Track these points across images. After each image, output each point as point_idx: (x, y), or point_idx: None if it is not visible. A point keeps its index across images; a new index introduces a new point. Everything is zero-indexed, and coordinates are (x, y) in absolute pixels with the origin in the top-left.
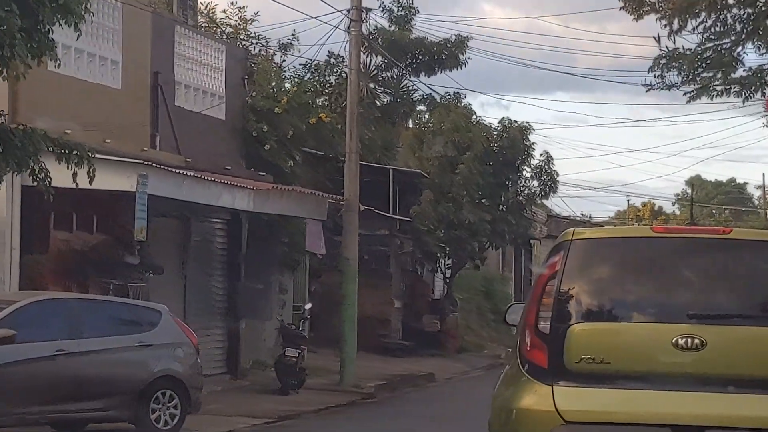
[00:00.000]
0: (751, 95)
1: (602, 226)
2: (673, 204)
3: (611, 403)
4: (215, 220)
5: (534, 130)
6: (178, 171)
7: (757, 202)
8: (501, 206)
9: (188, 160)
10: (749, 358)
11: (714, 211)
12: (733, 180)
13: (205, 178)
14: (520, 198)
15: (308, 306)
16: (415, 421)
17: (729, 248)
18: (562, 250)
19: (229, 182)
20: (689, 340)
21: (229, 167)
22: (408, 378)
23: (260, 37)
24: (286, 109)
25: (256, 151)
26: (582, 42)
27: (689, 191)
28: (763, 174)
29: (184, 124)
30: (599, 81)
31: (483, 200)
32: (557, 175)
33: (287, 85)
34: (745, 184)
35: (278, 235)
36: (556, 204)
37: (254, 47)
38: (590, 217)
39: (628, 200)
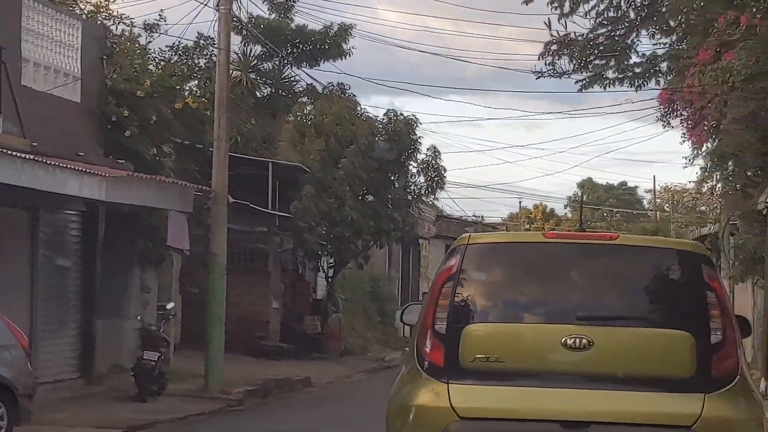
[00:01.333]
0: (645, 83)
1: (494, 227)
2: (565, 207)
3: (504, 400)
4: (69, 211)
5: (420, 123)
6: (15, 154)
7: (647, 205)
8: (387, 203)
9: (34, 144)
10: (633, 358)
11: (605, 214)
12: (624, 183)
13: (48, 162)
14: (408, 194)
15: (170, 305)
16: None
17: (615, 253)
18: (458, 254)
19: (77, 168)
20: (577, 340)
21: (82, 153)
22: (283, 383)
23: (124, 16)
24: (150, 92)
25: (115, 138)
26: (474, 44)
27: (580, 194)
28: (654, 176)
29: (31, 106)
30: (492, 84)
31: (367, 196)
32: (444, 170)
33: (151, 67)
34: (636, 187)
35: (141, 229)
36: (447, 204)
37: (116, 26)
38: (482, 218)
39: (520, 202)
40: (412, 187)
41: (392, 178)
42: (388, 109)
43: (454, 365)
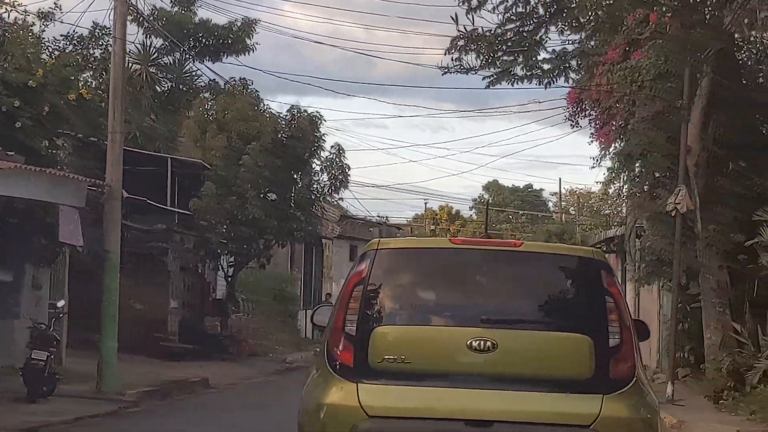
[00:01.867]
0: (554, 80)
1: (399, 227)
2: (471, 209)
3: (411, 399)
4: None
5: (325, 120)
6: None
7: (553, 208)
8: (290, 201)
9: None
10: (534, 360)
11: (510, 216)
12: (530, 185)
13: None
14: (312, 193)
15: (61, 303)
16: None
17: (519, 260)
18: (368, 259)
19: None
20: (482, 342)
21: None
22: (182, 384)
23: (17, 3)
24: (43, 83)
25: (6, 130)
26: (383, 47)
27: (486, 196)
28: (560, 179)
29: None
30: (399, 87)
31: (270, 194)
32: (348, 168)
33: (45, 56)
34: (542, 190)
35: (35, 225)
36: (352, 205)
37: (8, 14)
38: (387, 218)
39: (426, 203)
40: (315, 186)
41: (296, 176)
42: (292, 106)
43: (364, 366)
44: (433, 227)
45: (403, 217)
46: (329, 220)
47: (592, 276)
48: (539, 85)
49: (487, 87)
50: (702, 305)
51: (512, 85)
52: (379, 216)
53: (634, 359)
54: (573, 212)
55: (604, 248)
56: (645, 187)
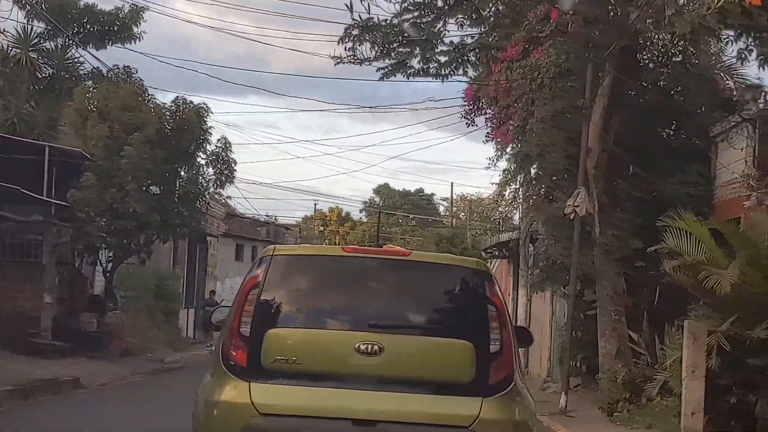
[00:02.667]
0: (452, 73)
1: (287, 227)
2: (361, 211)
3: (301, 399)
4: None
5: (212, 112)
6: None
7: (443, 213)
8: (174, 196)
9: None
10: (419, 363)
11: (400, 220)
12: (421, 190)
13: None
14: (197, 187)
15: None
16: None
17: (407, 268)
18: (264, 264)
19: None
20: (369, 346)
21: None
22: (50, 384)
23: None
24: None
25: None
26: (276, 47)
27: (377, 199)
28: (451, 183)
29: None
30: (292, 88)
31: (153, 188)
32: (235, 163)
33: None
34: (433, 194)
35: None
36: (240, 203)
37: None
38: (275, 218)
39: (315, 204)
40: (200, 180)
41: (180, 169)
42: (177, 96)
43: (256, 365)
44: (322, 228)
45: (293, 217)
46: (215, 217)
47: (475, 285)
48: (436, 78)
49: (381, 79)
50: (597, 313)
51: (408, 78)
52: (267, 215)
53: (513, 365)
54: (463, 217)
55: (497, 253)
56: (542, 189)
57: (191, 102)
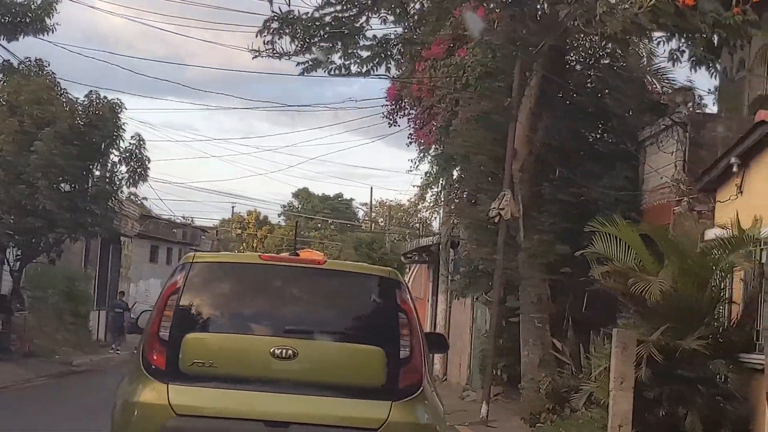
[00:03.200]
0: (374, 69)
1: (204, 229)
2: (279, 215)
3: (217, 401)
4: None
5: (126, 108)
6: None
7: (362, 218)
8: (86, 194)
9: None
10: (332, 368)
11: (319, 224)
12: (340, 194)
13: None
14: (110, 185)
15: None
16: None
17: (322, 276)
18: (184, 271)
19: None
20: (284, 350)
21: None
22: None
23: None
24: None
25: None
26: (196, 49)
27: (296, 203)
28: (371, 188)
29: None
30: (212, 88)
31: (63, 185)
32: (149, 161)
33: None
34: (352, 199)
35: None
36: (156, 204)
37: None
38: (192, 220)
39: (233, 207)
40: (113, 178)
41: (92, 166)
42: (90, 91)
43: (174, 368)
44: (239, 231)
45: (210, 219)
46: (129, 217)
47: (387, 294)
48: (358, 74)
49: (302, 74)
50: (520, 320)
51: (329, 74)
52: (184, 217)
53: (422, 370)
54: (382, 223)
55: (417, 257)
56: (465, 192)
57: (105, 97)
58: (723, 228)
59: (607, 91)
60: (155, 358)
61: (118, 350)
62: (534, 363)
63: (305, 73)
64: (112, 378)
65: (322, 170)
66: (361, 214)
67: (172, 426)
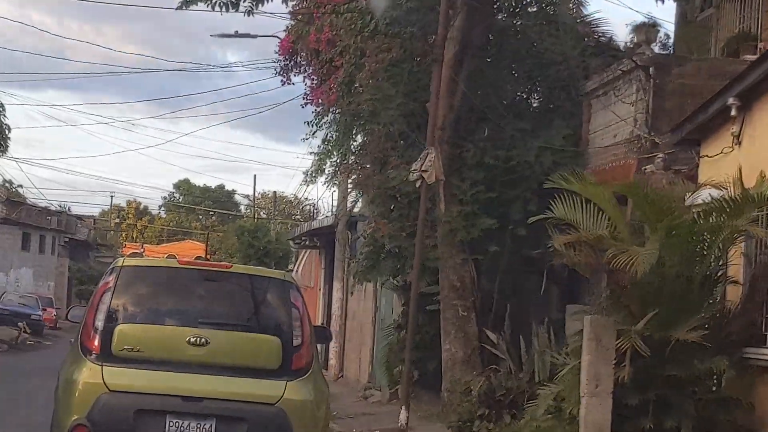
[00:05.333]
0: (260, 4)
1: (80, 217)
2: (160, 207)
3: (142, 379)
4: None
5: None
6: None
7: (244, 210)
8: None
9: None
10: (237, 353)
11: (200, 216)
12: (222, 186)
13: None
14: None
15: None
16: None
17: (229, 278)
18: (115, 272)
19: None
20: (198, 338)
21: None
22: None
23: None
24: None
25: None
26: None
27: (177, 195)
28: (254, 176)
29: None
30: (92, 82)
31: None
32: (9, 130)
33: None
34: (234, 191)
35: None
36: (31, 192)
37: None
38: (69, 209)
39: (112, 197)
40: None
41: None
42: None
43: (107, 353)
44: (117, 221)
45: (91, 205)
46: None
47: (281, 292)
48: (243, 11)
49: (180, 7)
50: (441, 308)
51: (212, 8)
52: (60, 206)
53: (312, 355)
54: (264, 215)
55: (307, 242)
56: (372, 158)
57: None
58: (720, 188)
59: (539, 40)
60: (91, 344)
61: None
62: (457, 359)
63: (184, 7)
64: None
65: (203, 164)
66: (243, 205)
67: (105, 400)
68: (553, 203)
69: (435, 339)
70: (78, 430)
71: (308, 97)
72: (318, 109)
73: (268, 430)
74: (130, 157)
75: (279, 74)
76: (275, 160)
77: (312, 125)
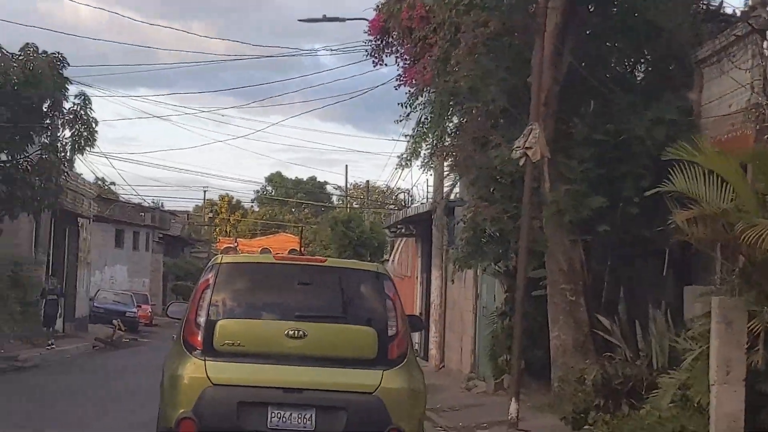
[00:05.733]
0: None
1: (174, 214)
2: (253, 201)
3: (244, 372)
4: None
5: (69, 63)
6: None
7: (336, 201)
8: (27, 164)
9: None
10: (334, 345)
11: (293, 209)
12: (313, 178)
13: None
14: (53, 153)
15: None
16: None
17: (324, 272)
18: (214, 270)
19: None
20: (296, 331)
21: None
22: None
23: None
24: None
25: None
26: (165, 39)
27: (270, 188)
28: (346, 166)
29: None
30: (181, 78)
31: None
32: (96, 123)
33: None
34: (325, 182)
35: None
36: (123, 189)
37: None
38: (162, 204)
39: (204, 192)
40: (56, 144)
41: (32, 132)
42: (27, 44)
43: (210, 348)
44: (210, 215)
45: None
46: (84, 195)
47: (375, 284)
48: None
49: None
50: (548, 293)
51: None
52: (153, 202)
53: (406, 345)
54: (357, 206)
55: (403, 230)
56: (471, 138)
57: (45, 51)
58: None
59: (644, 6)
60: (194, 340)
61: (52, 344)
62: (567, 346)
63: None
64: (61, 375)
65: (294, 157)
66: (335, 197)
67: (209, 393)
68: (668, 178)
69: (541, 326)
70: (184, 423)
71: (401, 78)
72: (412, 90)
73: (366, 418)
74: (222, 151)
75: (370, 55)
76: (366, 150)
77: (406, 107)
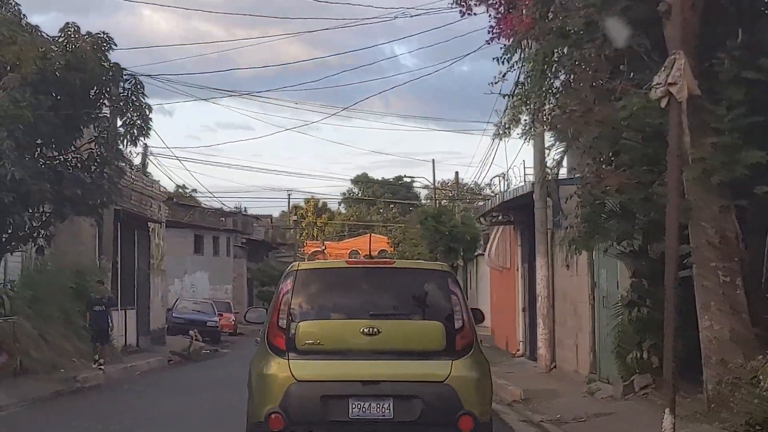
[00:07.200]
0: None
1: (257, 217)
2: (340, 204)
3: (325, 369)
4: None
5: (116, 45)
6: None
7: (425, 201)
8: (76, 159)
9: None
10: (406, 339)
11: (381, 209)
12: (400, 177)
13: None
14: (104, 146)
15: None
16: None
17: (393, 273)
18: (292, 276)
19: None
20: (370, 329)
21: None
22: None
23: None
24: None
25: None
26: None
27: (355, 190)
28: (433, 160)
29: None
30: (263, 87)
31: (40, 149)
32: (149, 110)
33: None
34: (413, 180)
35: None
36: (207, 196)
37: None
38: (245, 209)
39: (289, 195)
40: (107, 135)
41: (80, 124)
42: (67, 23)
43: (292, 347)
44: (295, 218)
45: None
46: (151, 197)
47: (441, 282)
48: None
49: None
50: (694, 274)
51: None
52: (236, 207)
53: (472, 336)
54: (445, 203)
55: (500, 218)
56: (588, 88)
57: (89, 32)
58: None
59: None
60: (277, 341)
61: (101, 365)
62: (723, 339)
63: None
64: (123, 396)
65: (380, 159)
66: (423, 194)
67: (294, 389)
68: None
69: (682, 315)
70: (273, 417)
71: (494, 30)
72: (509, 42)
73: (440, 405)
74: (307, 154)
75: (457, 4)
76: (452, 148)
77: (502, 62)
